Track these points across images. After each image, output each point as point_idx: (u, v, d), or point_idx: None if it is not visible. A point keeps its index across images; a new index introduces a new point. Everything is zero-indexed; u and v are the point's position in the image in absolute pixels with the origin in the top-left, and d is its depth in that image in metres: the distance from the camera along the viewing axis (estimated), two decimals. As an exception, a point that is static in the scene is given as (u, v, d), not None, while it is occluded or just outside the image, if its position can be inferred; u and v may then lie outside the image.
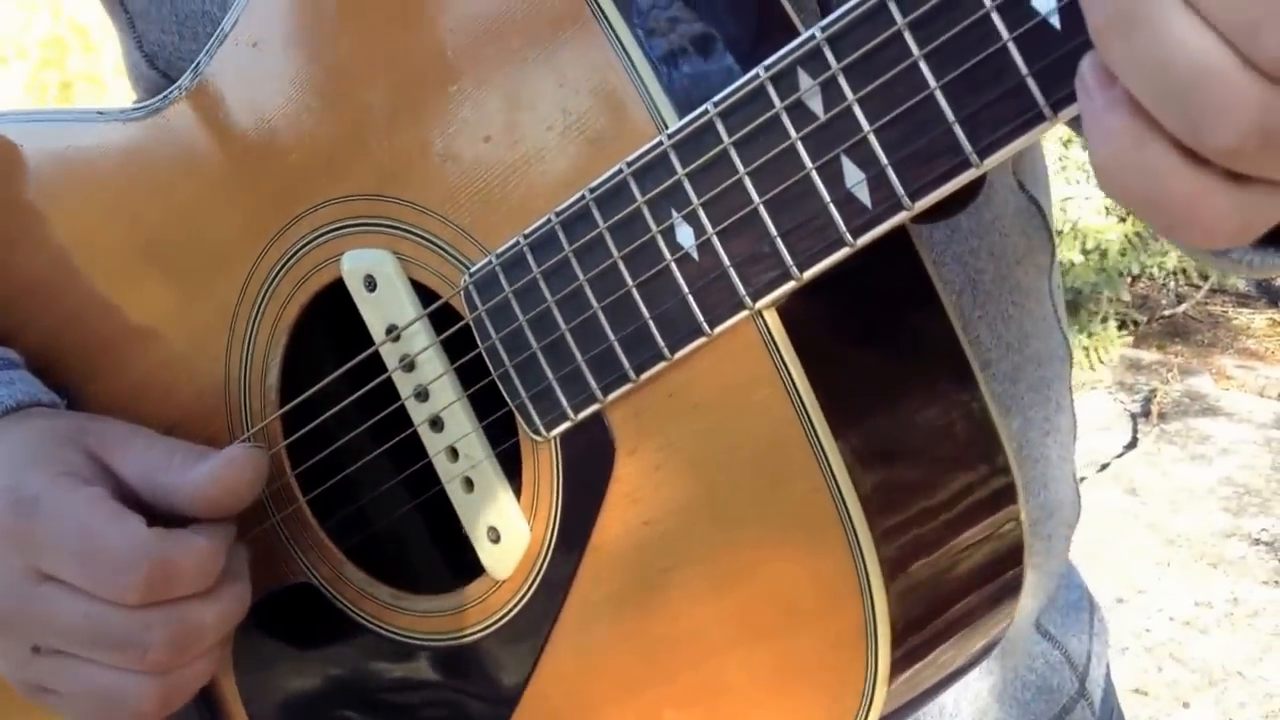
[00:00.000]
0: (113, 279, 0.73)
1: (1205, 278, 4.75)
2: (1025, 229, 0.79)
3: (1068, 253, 4.53)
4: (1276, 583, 3.39)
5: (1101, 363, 4.47)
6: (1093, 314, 4.48)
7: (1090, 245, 4.39)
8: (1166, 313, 4.78)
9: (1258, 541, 3.56)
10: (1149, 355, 4.66)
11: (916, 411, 0.57)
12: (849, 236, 0.50)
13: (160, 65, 0.76)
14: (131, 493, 0.65)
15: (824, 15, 0.51)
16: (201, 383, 0.70)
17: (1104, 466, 3.96)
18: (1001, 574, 0.61)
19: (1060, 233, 4.42)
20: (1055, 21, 0.44)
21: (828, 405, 0.52)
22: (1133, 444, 4.08)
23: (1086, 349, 4.35)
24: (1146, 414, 4.24)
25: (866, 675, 0.54)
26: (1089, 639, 0.92)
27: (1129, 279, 4.68)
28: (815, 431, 0.52)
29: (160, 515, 0.64)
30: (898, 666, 0.54)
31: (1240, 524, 3.65)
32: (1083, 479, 3.94)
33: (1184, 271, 4.72)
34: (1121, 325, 4.62)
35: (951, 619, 0.58)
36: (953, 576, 0.58)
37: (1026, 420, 0.79)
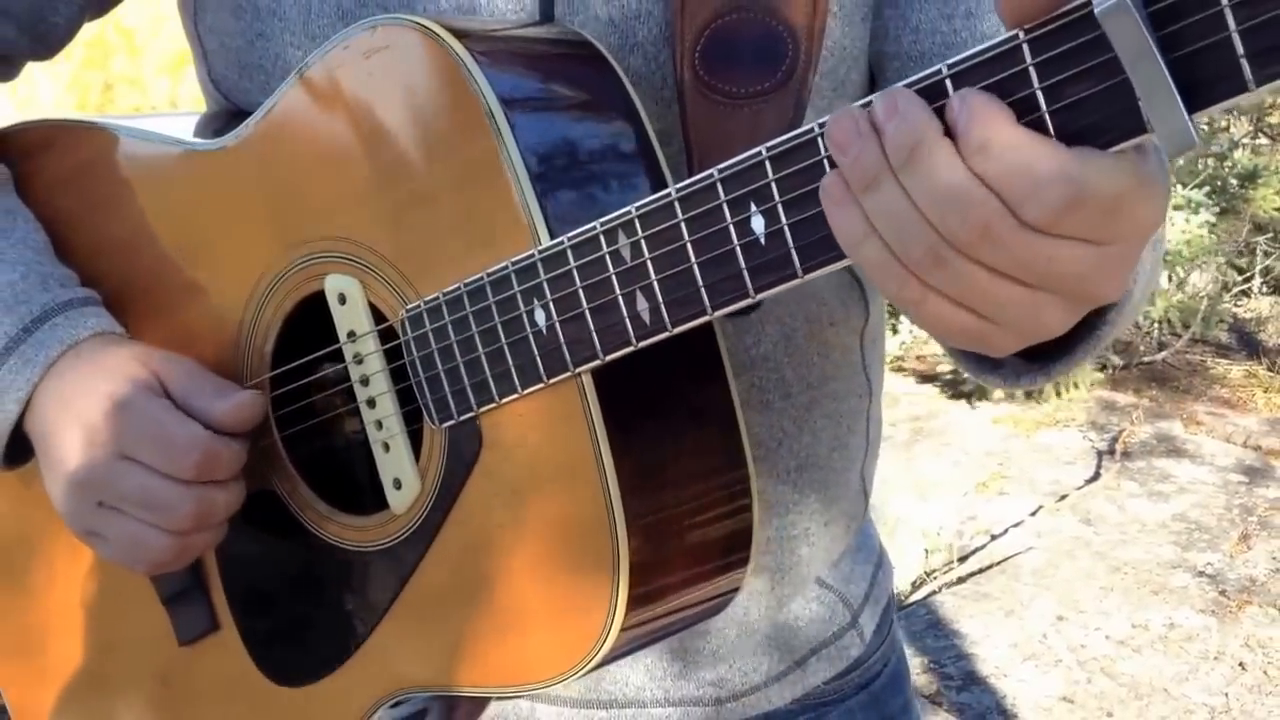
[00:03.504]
0: (171, 253, 0.99)
1: (1187, 327, 4.91)
2: (844, 300, 1.03)
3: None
4: (1213, 612, 3.58)
5: (1070, 400, 4.62)
6: (1068, 354, 4.62)
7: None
8: (1147, 359, 4.94)
9: (1201, 574, 3.77)
10: (1124, 398, 4.85)
11: (682, 435, 0.85)
12: (634, 339, 0.77)
13: (222, 90, 1.02)
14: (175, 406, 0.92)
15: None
16: (221, 338, 0.96)
17: (1062, 498, 4.16)
18: (731, 550, 0.88)
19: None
20: (762, 240, 0.72)
21: (613, 432, 0.80)
22: (1094, 478, 4.28)
23: (1056, 383, 4.54)
24: (1112, 452, 4.44)
25: (610, 601, 0.81)
26: (868, 587, 1.15)
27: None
28: (600, 447, 0.80)
29: None
30: (634, 603, 0.81)
31: (1187, 557, 3.85)
32: (1039, 508, 4.10)
33: (1169, 321, 4.89)
34: (1102, 368, 4.79)
35: (679, 582, 0.85)
36: (686, 547, 0.85)
37: (815, 438, 1.03)
